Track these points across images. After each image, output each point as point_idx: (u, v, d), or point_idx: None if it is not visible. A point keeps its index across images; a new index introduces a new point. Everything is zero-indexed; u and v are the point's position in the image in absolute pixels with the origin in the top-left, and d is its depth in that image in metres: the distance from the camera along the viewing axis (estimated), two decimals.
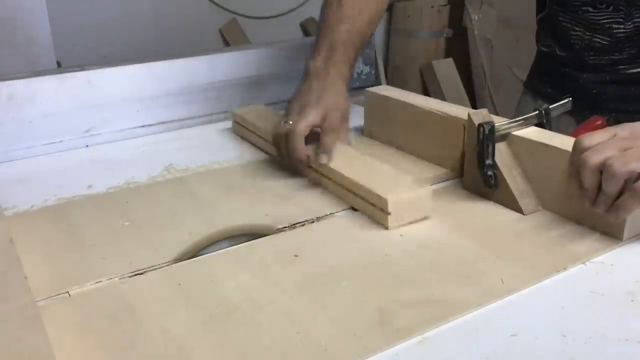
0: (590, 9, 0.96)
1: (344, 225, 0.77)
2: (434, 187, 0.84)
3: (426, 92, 2.66)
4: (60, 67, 1.53)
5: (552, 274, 0.64)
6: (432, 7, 2.60)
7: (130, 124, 1.12)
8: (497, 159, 0.77)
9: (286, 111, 0.90)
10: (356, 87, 1.35)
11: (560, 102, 0.84)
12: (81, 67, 1.10)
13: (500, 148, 0.79)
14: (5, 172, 0.98)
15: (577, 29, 0.99)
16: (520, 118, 0.81)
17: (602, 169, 0.64)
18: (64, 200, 0.86)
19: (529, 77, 1.17)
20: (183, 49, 1.30)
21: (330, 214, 0.79)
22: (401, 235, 0.73)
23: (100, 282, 0.65)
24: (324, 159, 0.85)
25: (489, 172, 0.77)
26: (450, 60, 2.65)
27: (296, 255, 0.69)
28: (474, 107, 2.68)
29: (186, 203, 0.84)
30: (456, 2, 2.67)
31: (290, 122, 0.86)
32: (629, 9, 0.93)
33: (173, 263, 0.69)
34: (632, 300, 0.60)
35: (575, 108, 0.86)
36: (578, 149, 0.68)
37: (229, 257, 0.70)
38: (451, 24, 2.67)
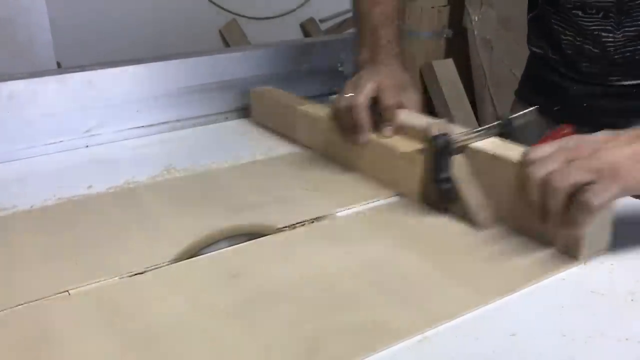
0: (580, 13, 0.93)
1: (294, 241, 0.73)
2: (390, 200, 0.83)
3: (426, 92, 2.66)
4: (60, 67, 1.53)
5: (501, 296, 0.60)
6: (432, 7, 2.60)
7: (130, 124, 1.12)
8: (454, 171, 0.74)
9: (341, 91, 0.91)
10: None
11: (523, 112, 0.80)
12: (81, 67, 1.10)
13: (458, 160, 0.75)
14: (5, 172, 0.97)
15: (568, 33, 0.96)
16: (480, 128, 0.77)
17: (544, 184, 0.62)
18: (64, 200, 0.86)
19: (520, 85, 1.14)
20: (183, 49, 1.30)
21: (290, 226, 0.76)
22: (349, 252, 0.69)
23: (30, 301, 0.62)
24: (387, 131, 0.85)
25: (445, 187, 0.74)
26: (450, 60, 2.65)
27: (235, 276, 0.65)
28: (474, 107, 2.69)
29: (184, 204, 0.84)
30: (456, 3, 2.66)
31: (348, 95, 0.87)
32: (619, 17, 0.89)
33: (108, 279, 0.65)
34: (632, 300, 0.60)
35: (565, 120, 0.84)
36: (524, 163, 0.65)
37: (166, 276, 0.66)
38: (451, 24, 2.67)
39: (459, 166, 0.75)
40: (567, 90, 0.99)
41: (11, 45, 1.43)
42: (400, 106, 0.88)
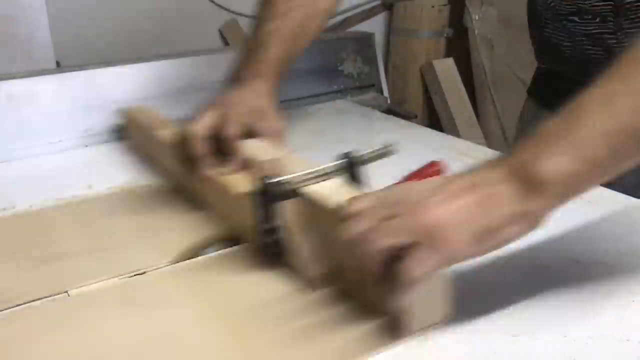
0: (577, 19, 0.91)
1: (86, 304, 0.63)
2: (224, 250, 0.71)
3: (426, 92, 2.66)
4: (60, 66, 1.53)
5: None
6: (432, 7, 2.60)
7: None
8: (283, 220, 0.63)
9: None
10: (356, 87, 1.35)
11: (375, 149, 0.67)
12: (81, 67, 1.10)
13: (288, 207, 0.63)
14: (5, 172, 0.98)
15: (567, 43, 0.93)
16: (326, 167, 0.64)
17: (357, 244, 0.52)
18: (64, 200, 0.86)
19: (533, 84, 1.10)
20: (183, 49, 1.30)
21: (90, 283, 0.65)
22: (144, 321, 0.59)
23: None
24: (226, 168, 0.75)
25: (267, 238, 0.63)
26: (450, 60, 2.65)
27: None
28: (475, 107, 2.69)
29: (180, 204, 0.84)
30: (456, 2, 2.66)
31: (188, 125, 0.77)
32: (618, 19, 0.87)
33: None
34: (633, 301, 0.60)
35: None
36: (342, 216, 0.54)
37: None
38: (451, 23, 2.67)
39: (289, 214, 0.63)
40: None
41: (10, 45, 1.43)
42: (250, 136, 0.77)
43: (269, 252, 0.64)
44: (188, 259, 0.70)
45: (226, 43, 2.48)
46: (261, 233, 0.64)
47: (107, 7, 2.21)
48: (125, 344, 0.56)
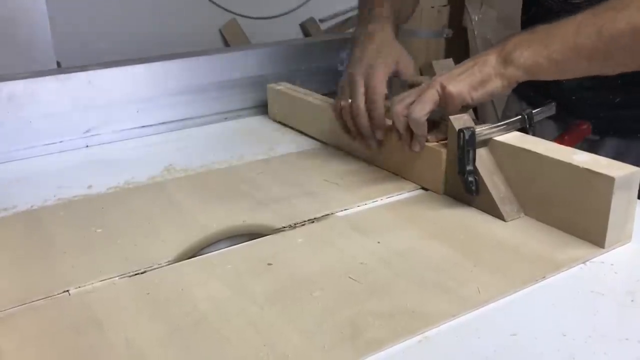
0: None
1: (323, 232, 0.75)
2: (414, 193, 0.85)
3: None
4: (60, 67, 1.53)
5: (530, 283, 0.63)
6: (432, 7, 2.60)
7: (130, 124, 1.12)
8: (478, 164, 0.76)
9: (342, 84, 0.94)
10: None
11: (544, 107, 0.83)
12: (81, 67, 1.10)
13: (482, 153, 0.77)
14: (5, 172, 0.98)
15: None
16: (502, 123, 0.79)
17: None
18: (64, 200, 0.86)
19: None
20: (183, 49, 1.30)
21: (314, 219, 0.78)
22: (379, 242, 0.71)
23: (67, 291, 0.64)
24: (416, 146, 0.84)
25: (470, 178, 0.76)
26: (450, 60, 2.65)
27: (270, 264, 0.67)
28: (474, 107, 2.68)
29: (181, 204, 0.84)
30: (456, 2, 2.66)
31: (346, 102, 0.90)
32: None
33: (147, 270, 0.67)
34: (632, 301, 0.60)
35: (558, 114, 0.85)
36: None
37: (201, 265, 0.68)
38: (451, 24, 2.67)
39: (483, 159, 0.77)
40: (559, 82, 1.00)
41: (11, 45, 1.43)
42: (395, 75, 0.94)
43: (471, 188, 0.76)
44: (189, 258, 0.70)
45: (226, 43, 2.48)
46: (463, 174, 0.76)
47: (107, 8, 2.21)
48: (377, 257, 0.67)
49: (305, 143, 1.07)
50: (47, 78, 1.06)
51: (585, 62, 0.75)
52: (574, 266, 0.66)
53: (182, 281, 0.65)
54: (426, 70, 2.64)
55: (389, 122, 0.87)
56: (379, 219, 0.78)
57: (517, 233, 0.73)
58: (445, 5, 2.65)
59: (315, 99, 1.09)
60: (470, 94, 0.77)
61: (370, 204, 0.82)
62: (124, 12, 2.25)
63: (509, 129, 0.79)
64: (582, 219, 0.69)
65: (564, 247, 0.69)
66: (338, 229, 0.76)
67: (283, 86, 1.18)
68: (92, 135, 1.09)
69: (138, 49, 1.99)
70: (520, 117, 0.80)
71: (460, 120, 0.78)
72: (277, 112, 1.19)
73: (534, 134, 0.80)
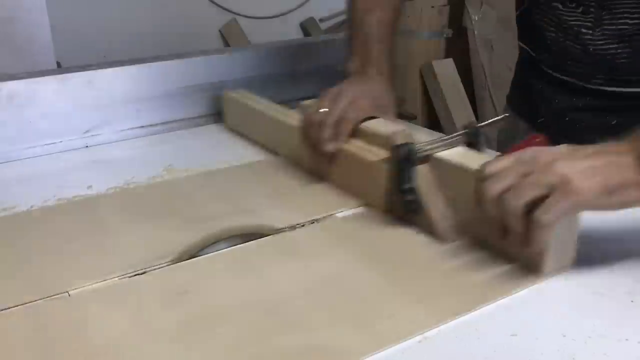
0: (560, 6, 0.90)
1: (250, 256, 0.70)
2: (357, 210, 0.80)
3: (426, 92, 2.66)
4: (60, 67, 1.53)
5: (455, 316, 0.58)
6: (432, 7, 2.60)
7: (130, 124, 1.12)
8: (418, 182, 0.72)
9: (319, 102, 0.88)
10: None
11: (491, 120, 0.78)
12: (81, 67, 1.10)
13: (422, 171, 0.72)
14: (5, 172, 0.97)
15: (551, 28, 0.93)
16: (447, 137, 0.74)
17: (500, 201, 0.60)
18: (64, 200, 0.86)
19: (510, 91, 1.12)
20: (183, 49, 1.30)
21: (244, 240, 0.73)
22: (306, 267, 0.67)
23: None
24: (330, 145, 0.82)
25: (408, 197, 0.71)
26: (450, 60, 2.65)
27: (182, 293, 0.62)
28: (474, 107, 2.69)
29: (181, 204, 0.84)
30: (456, 2, 2.66)
31: (322, 111, 0.84)
32: (599, 12, 0.86)
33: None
34: (632, 301, 0.60)
35: (551, 136, 0.79)
36: (480, 177, 0.63)
37: (107, 293, 0.63)
38: (451, 24, 2.67)
39: (422, 176, 0.72)
40: (551, 102, 0.97)
41: (11, 45, 1.43)
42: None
43: (409, 208, 0.72)
44: (189, 258, 0.70)
45: (226, 43, 2.48)
46: (400, 193, 0.71)
47: (107, 8, 2.21)
48: (300, 284, 0.62)
49: (256, 154, 1.02)
50: (47, 78, 1.06)
51: None
52: (506, 297, 0.61)
53: (83, 310, 0.60)
54: (426, 70, 2.64)
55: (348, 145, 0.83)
56: (314, 240, 0.73)
57: (454, 258, 0.67)
58: (445, 5, 2.65)
59: (268, 107, 1.04)
60: (599, 199, 0.59)
61: (309, 224, 0.77)
62: (123, 12, 2.25)
63: (454, 143, 0.74)
64: (526, 243, 0.62)
65: (500, 274, 0.64)
66: (267, 252, 0.71)
67: (238, 93, 1.13)
68: (92, 136, 1.09)
69: (138, 49, 1.99)
70: (466, 130, 0.75)
71: (399, 135, 0.73)
72: (230, 120, 1.15)
73: (480, 150, 0.75)
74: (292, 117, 0.96)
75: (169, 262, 0.68)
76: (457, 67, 2.65)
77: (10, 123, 1.02)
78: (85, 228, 0.77)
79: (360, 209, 0.80)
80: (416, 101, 2.65)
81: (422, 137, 0.78)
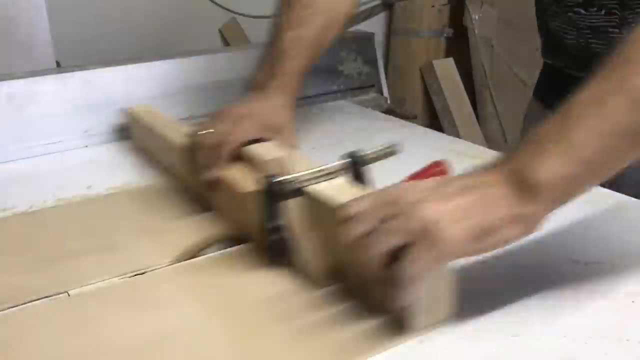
0: (582, 11, 0.90)
1: (87, 306, 0.62)
2: (228, 249, 0.71)
3: (426, 92, 2.66)
4: (60, 66, 1.53)
5: None
6: (432, 6, 2.60)
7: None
8: (288, 218, 0.63)
9: (207, 120, 0.80)
10: (356, 87, 1.35)
11: (378, 149, 0.67)
12: (81, 67, 1.10)
13: (293, 206, 0.63)
14: (5, 172, 0.97)
15: (570, 36, 0.92)
16: (324, 168, 0.64)
17: (358, 247, 0.53)
18: (64, 200, 0.86)
19: (538, 84, 1.09)
20: (183, 49, 1.30)
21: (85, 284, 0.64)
22: (149, 321, 0.59)
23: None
24: (208, 174, 0.74)
25: (272, 237, 0.63)
26: (450, 60, 2.65)
27: None
28: (474, 107, 2.68)
29: (184, 205, 0.84)
30: (456, 2, 2.66)
31: (206, 132, 0.76)
32: (624, 13, 0.86)
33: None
34: (632, 301, 0.60)
35: None
36: (339, 218, 0.55)
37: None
38: (451, 23, 2.67)
39: (293, 212, 0.63)
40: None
41: (10, 44, 1.43)
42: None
43: (275, 250, 0.64)
44: (189, 259, 0.70)
45: (226, 43, 2.48)
46: (266, 231, 0.64)
47: (107, 7, 2.21)
48: (127, 344, 0.56)
49: (149, 177, 0.93)
50: (47, 78, 1.06)
51: (630, 143, 0.52)
52: (370, 357, 0.53)
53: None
54: (426, 70, 2.64)
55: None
56: (171, 284, 0.65)
57: (320, 309, 0.58)
58: (445, 5, 2.65)
59: (165, 125, 0.95)
60: (469, 247, 0.51)
61: (172, 264, 0.68)
62: (124, 12, 2.24)
63: (333, 175, 0.64)
64: (392, 295, 0.53)
65: (366, 329, 0.55)
66: (110, 301, 0.62)
67: (140, 108, 1.05)
68: (92, 136, 1.09)
69: (138, 49, 1.99)
70: (349, 160, 0.65)
71: (271, 164, 0.66)
72: (137, 139, 1.06)
73: (364, 181, 0.66)
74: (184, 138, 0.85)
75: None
76: (457, 67, 2.65)
77: (9, 123, 1.02)
78: (85, 228, 0.77)
79: (237, 247, 0.71)
80: (416, 101, 2.65)
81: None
